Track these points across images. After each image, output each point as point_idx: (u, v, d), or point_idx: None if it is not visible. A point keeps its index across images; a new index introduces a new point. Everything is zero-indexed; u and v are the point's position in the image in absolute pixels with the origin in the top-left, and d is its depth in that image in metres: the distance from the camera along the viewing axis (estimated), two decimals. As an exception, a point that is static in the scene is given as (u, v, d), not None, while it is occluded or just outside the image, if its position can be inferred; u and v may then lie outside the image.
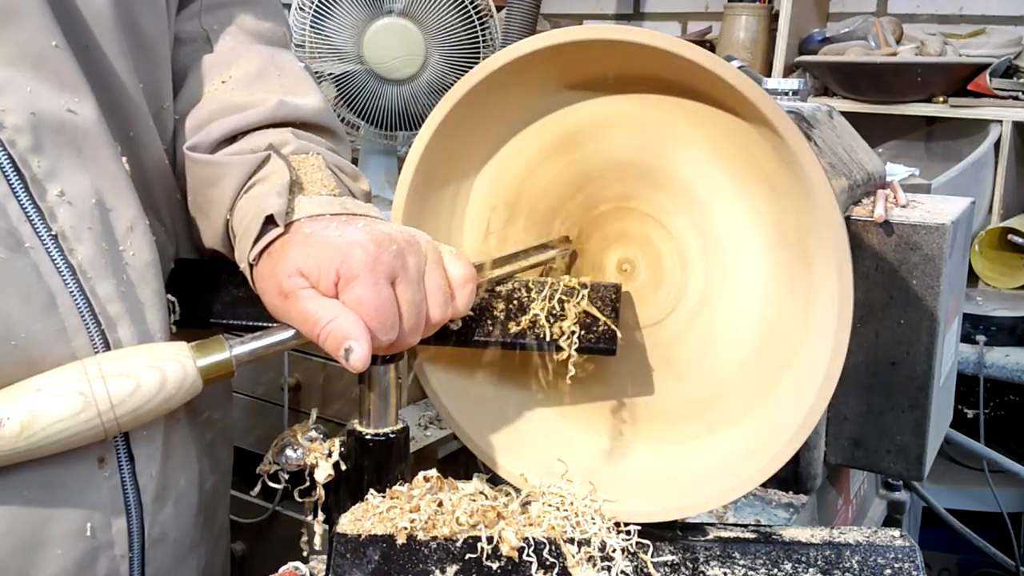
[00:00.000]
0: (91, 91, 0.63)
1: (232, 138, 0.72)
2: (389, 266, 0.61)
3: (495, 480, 0.70)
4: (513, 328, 0.70)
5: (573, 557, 0.62)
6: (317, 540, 0.69)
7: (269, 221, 0.64)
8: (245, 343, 0.63)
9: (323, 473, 0.68)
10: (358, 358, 0.59)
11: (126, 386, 0.59)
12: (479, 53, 1.58)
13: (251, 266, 0.65)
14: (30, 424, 0.57)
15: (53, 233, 0.61)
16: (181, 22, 0.77)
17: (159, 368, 0.60)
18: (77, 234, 0.62)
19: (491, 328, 0.70)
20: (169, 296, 0.69)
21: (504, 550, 0.61)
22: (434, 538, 0.62)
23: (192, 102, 0.74)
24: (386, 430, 0.69)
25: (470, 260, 0.67)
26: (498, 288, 0.71)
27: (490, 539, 0.62)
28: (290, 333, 0.63)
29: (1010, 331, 1.71)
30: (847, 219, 0.92)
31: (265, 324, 0.69)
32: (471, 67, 0.70)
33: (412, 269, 0.62)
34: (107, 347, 0.62)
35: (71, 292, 0.61)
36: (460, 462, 1.34)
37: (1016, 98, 1.94)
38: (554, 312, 0.70)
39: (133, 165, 0.67)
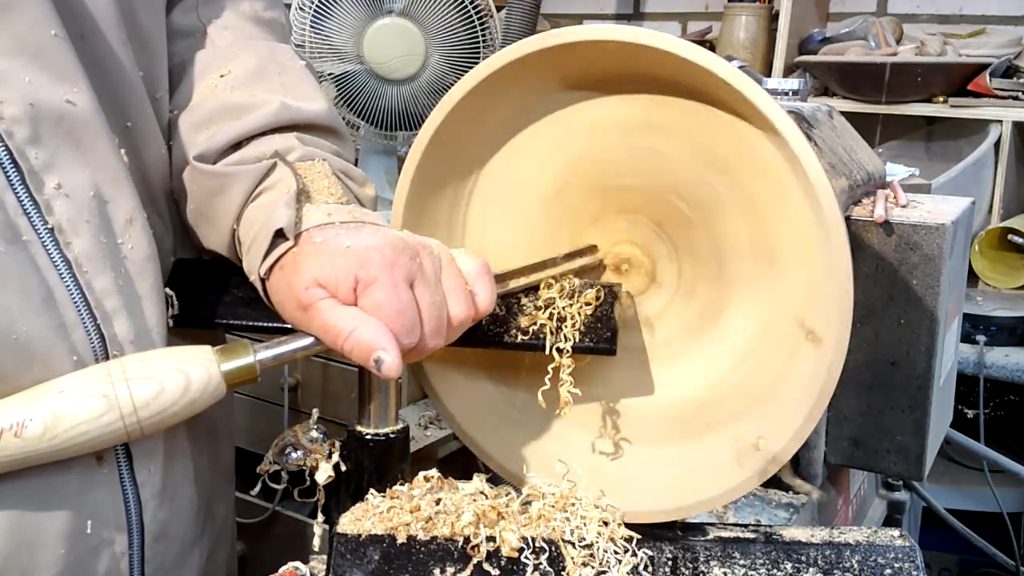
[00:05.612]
0: (89, 81, 0.63)
1: (236, 144, 0.72)
2: (406, 268, 0.61)
3: (495, 480, 0.69)
4: (514, 329, 0.70)
5: (572, 559, 0.62)
6: (317, 540, 0.69)
7: (279, 234, 0.63)
8: (270, 348, 0.63)
9: (323, 474, 0.68)
10: (390, 368, 0.59)
11: (150, 389, 0.59)
12: (479, 53, 1.58)
13: (262, 279, 0.65)
14: (53, 426, 0.57)
15: (49, 226, 0.60)
16: (178, 15, 0.76)
17: (183, 371, 0.60)
18: (74, 227, 0.61)
19: (492, 329, 0.70)
20: (167, 290, 0.69)
21: (504, 550, 0.61)
22: (434, 538, 0.62)
23: (189, 97, 0.74)
24: (386, 430, 0.69)
25: (484, 259, 0.67)
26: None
27: (490, 539, 0.62)
28: (313, 338, 0.63)
29: (1010, 331, 1.71)
30: (847, 219, 0.92)
31: (265, 324, 0.69)
32: (471, 67, 0.70)
33: (429, 270, 0.62)
34: (103, 342, 0.62)
35: (67, 286, 0.61)
36: (460, 462, 1.34)
37: (1016, 98, 1.94)
38: (554, 313, 0.70)
39: (131, 157, 0.67)
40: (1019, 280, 1.88)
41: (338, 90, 1.60)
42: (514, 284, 0.70)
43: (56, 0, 0.61)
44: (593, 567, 0.62)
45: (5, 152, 0.59)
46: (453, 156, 0.72)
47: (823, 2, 2.39)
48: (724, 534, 0.67)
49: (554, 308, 0.70)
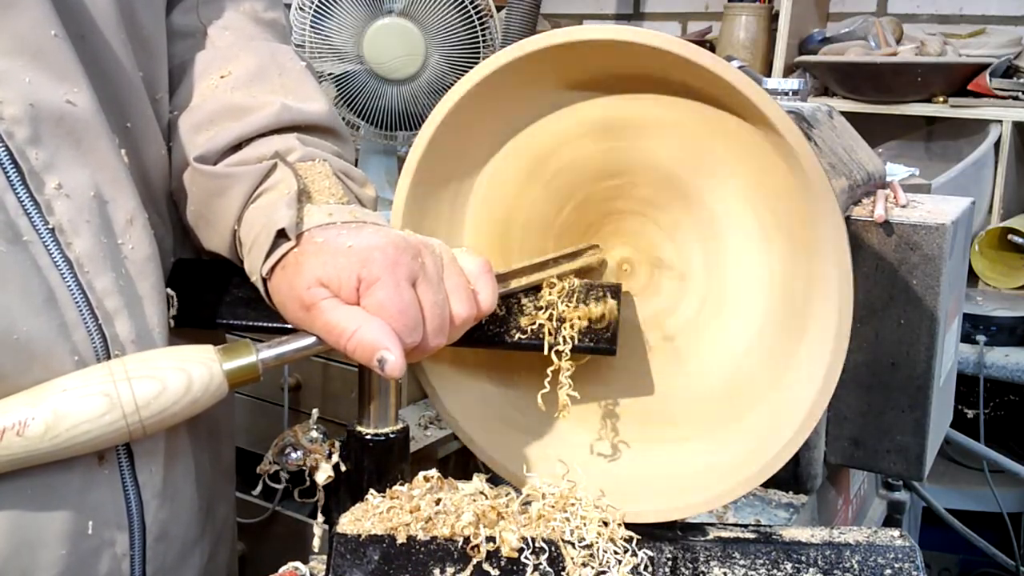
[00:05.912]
0: (89, 82, 0.63)
1: (236, 145, 0.72)
2: (408, 267, 0.61)
3: (495, 480, 0.70)
4: (514, 329, 0.70)
5: (572, 559, 0.62)
6: (316, 540, 0.69)
7: (280, 234, 0.63)
8: (272, 347, 0.63)
9: (323, 475, 0.68)
10: (393, 367, 0.59)
11: (152, 388, 0.59)
12: (479, 53, 1.58)
13: (264, 279, 0.65)
14: (54, 425, 0.57)
15: (50, 226, 0.60)
16: (179, 16, 0.76)
17: (185, 371, 0.60)
18: (75, 227, 0.61)
19: (492, 329, 0.70)
20: (168, 290, 0.69)
21: (504, 551, 0.61)
22: (434, 538, 0.62)
23: (189, 98, 0.74)
24: (386, 430, 0.69)
25: (485, 258, 0.67)
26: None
27: (490, 539, 0.62)
28: (315, 338, 0.63)
29: (1010, 331, 1.71)
30: (847, 219, 0.92)
31: (265, 324, 0.70)
32: (471, 67, 0.70)
33: (431, 269, 0.62)
34: (105, 342, 0.62)
35: (68, 286, 0.61)
36: (460, 462, 1.34)
37: (1016, 98, 1.94)
38: (554, 313, 0.70)
39: (132, 157, 0.67)
40: (1019, 280, 1.88)
41: (338, 90, 1.60)
42: (515, 284, 0.70)
43: (56, 0, 0.61)
44: (593, 567, 0.62)
45: (5, 152, 0.59)
46: (453, 156, 0.72)
47: (823, 2, 2.39)
48: (724, 534, 0.67)
49: (554, 308, 0.70)
